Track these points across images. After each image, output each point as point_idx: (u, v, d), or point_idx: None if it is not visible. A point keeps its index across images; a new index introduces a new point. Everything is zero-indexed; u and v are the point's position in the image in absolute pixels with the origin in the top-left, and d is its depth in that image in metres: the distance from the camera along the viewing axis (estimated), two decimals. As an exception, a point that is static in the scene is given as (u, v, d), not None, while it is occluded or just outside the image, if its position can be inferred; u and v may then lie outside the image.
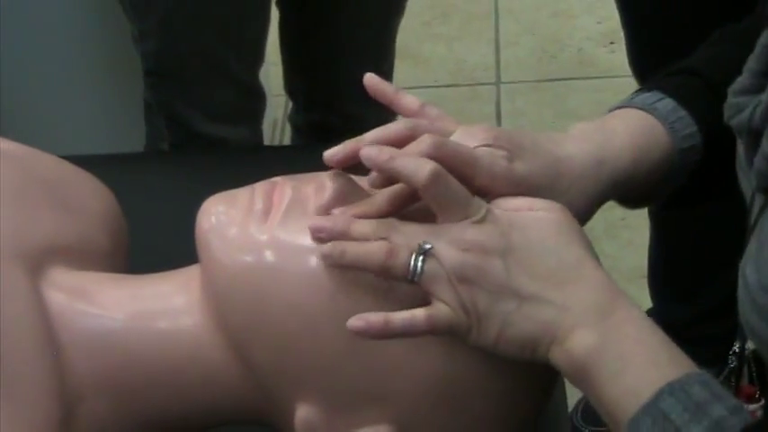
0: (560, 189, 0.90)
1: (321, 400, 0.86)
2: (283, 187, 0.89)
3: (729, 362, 0.98)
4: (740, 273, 0.83)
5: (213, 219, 0.89)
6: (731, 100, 0.87)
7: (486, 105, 2.70)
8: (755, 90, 0.85)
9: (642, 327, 0.83)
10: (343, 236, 0.85)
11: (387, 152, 0.83)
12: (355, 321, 0.82)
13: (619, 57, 1.88)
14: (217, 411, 0.91)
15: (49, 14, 1.91)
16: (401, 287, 0.84)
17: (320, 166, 0.92)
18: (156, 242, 1.14)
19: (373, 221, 0.85)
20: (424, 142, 0.84)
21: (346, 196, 0.87)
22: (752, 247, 0.82)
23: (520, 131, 0.92)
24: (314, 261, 0.85)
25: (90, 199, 1.02)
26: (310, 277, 0.85)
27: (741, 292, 0.82)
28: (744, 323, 0.84)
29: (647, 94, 0.98)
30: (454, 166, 0.84)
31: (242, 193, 0.90)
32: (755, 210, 0.85)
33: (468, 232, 0.83)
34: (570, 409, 1.89)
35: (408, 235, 0.83)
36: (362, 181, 0.90)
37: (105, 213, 1.02)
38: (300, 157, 0.94)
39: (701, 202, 1.03)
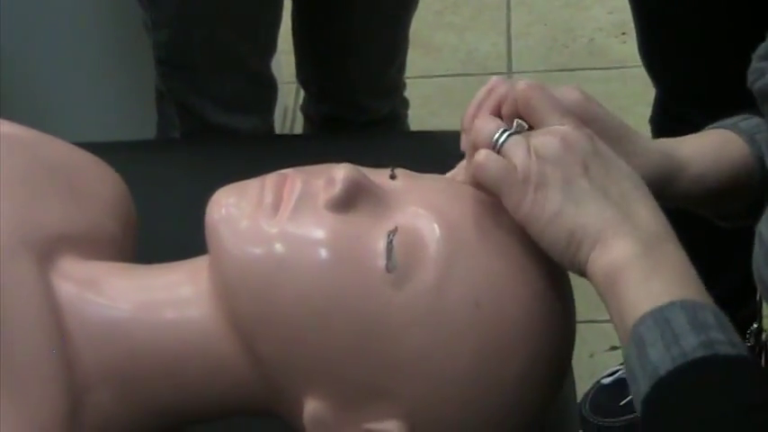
0: (625, 151, 0.91)
1: (330, 394, 0.86)
2: (294, 180, 0.89)
3: (746, 340, 0.97)
4: (756, 235, 0.83)
5: (223, 210, 0.89)
6: (755, 65, 0.87)
7: (498, 95, 2.69)
8: None
9: (684, 261, 0.83)
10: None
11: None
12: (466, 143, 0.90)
13: (630, 47, 1.87)
14: (224, 403, 0.91)
15: (62, 3, 1.92)
16: (413, 282, 0.84)
17: (332, 157, 0.92)
18: (165, 230, 1.14)
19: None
20: (495, 81, 0.93)
21: (356, 190, 0.87)
22: None
23: None
24: (323, 254, 0.86)
25: (99, 184, 1.01)
26: (320, 271, 0.85)
27: (756, 251, 0.83)
28: (759, 283, 0.84)
29: (735, 117, 0.98)
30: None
31: (252, 186, 0.90)
32: None
33: (562, 128, 0.86)
34: (578, 401, 1.89)
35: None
36: (373, 173, 0.90)
37: (114, 199, 1.02)
38: (312, 146, 0.95)
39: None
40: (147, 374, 0.90)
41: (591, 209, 0.83)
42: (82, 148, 1.04)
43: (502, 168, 0.84)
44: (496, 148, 0.86)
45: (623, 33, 2.76)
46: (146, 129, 1.77)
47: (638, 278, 0.81)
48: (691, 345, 0.77)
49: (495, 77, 0.93)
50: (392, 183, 0.90)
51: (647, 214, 0.84)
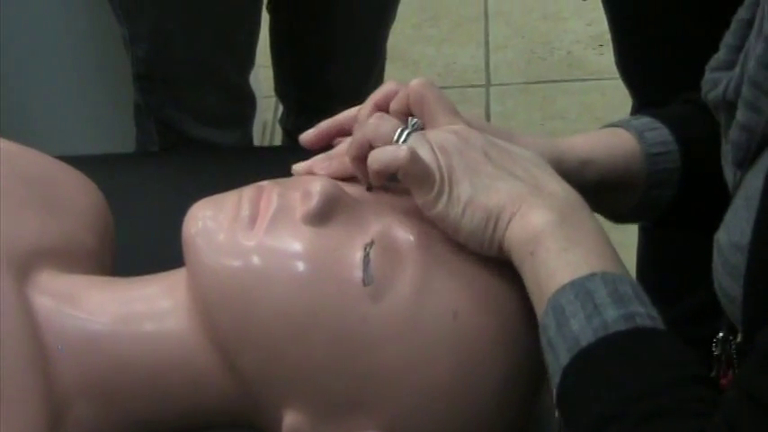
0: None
1: (308, 406, 0.86)
2: (270, 193, 0.89)
3: (713, 350, 0.98)
4: (714, 242, 0.84)
5: (200, 223, 0.88)
6: (708, 76, 0.88)
7: (476, 107, 2.70)
8: (731, 65, 0.86)
9: (598, 228, 0.85)
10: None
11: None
12: (353, 142, 0.89)
13: (608, 59, 1.88)
14: (204, 415, 0.91)
15: (40, 17, 1.92)
16: (390, 294, 0.85)
17: (309, 169, 0.92)
18: (143, 243, 1.14)
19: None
20: (388, 83, 0.94)
21: (333, 203, 0.87)
22: (727, 216, 0.83)
23: None
24: (300, 267, 0.86)
25: (76, 196, 1.01)
26: (297, 284, 0.85)
27: (715, 260, 0.84)
28: (717, 289, 0.84)
29: (629, 117, 0.99)
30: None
31: (229, 199, 0.90)
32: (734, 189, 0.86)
33: (456, 126, 0.89)
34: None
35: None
36: (349, 185, 0.90)
37: (92, 211, 1.02)
38: (290, 158, 0.94)
39: (700, 217, 1.04)
40: (126, 387, 0.90)
41: (501, 187, 0.85)
42: (61, 160, 1.04)
43: (426, 166, 0.85)
44: (399, 141, 0.87)
45: (601, 45, 2.77)
46: (125, 142, 1.77)
47: (556, 247, 0.82)
48: (612, 317, 0.78)
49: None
50: (369, 194, 0.90)
51: (558, 186, 0.86)
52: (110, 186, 1.07)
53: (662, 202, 0.99)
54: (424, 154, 0.85)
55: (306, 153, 0.90)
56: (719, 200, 0.93)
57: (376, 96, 0.94)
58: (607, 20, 1.65)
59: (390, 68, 1.89)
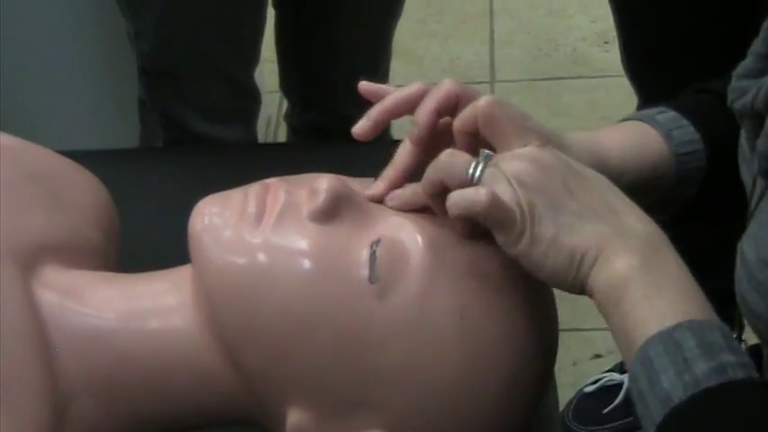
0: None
1: (312, 404, 0.86)
2: (277, 191, 0.89)
3: None
4: (738, 253, 0.83)
5: (206, 220, 0.88)
6: (735, 84, 0.87)
7: (481, 104, 2.69)
8: (759, 73, 0.86)
9: (682, 268, 0.83)
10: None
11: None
12: (426, 181, 0.86)
13: (613, 56, 1.87)
14: (208, 412, 0.91)
15: (45, 12, 1.91)
16: (396, 292, 0.84)
17: (315, 166, 0.92)
18: (149, 239, 1.14)
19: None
20: (444, 83, 0.90)
21: (339, 200, 0.87)
22: (751, 229, 0.82)
23: None
24: (306, 265, 0.86)
25: (82, 192, 1.01)
26: (302, 281, 0.85)
27: (739, 271, 0.83)
28: (740, 302, 0.84)
29: (654, 109, 0.98)
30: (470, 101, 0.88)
31: (235, 195, 0.90)
32: (756, 196, 0.86)
33: (532, 151, 0.85)
34: (561, 409, 1.89)
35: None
36: (355, 183, 0.90)
37: (97, 207, 1.02)
38: (296, 155, 0.94)
39: (715, 218, 1.04)
40: (130, 384, 0.90)
41: (585, 228, 0.82)
42: (65, 156, 1.04)
43: (507, 208, 0.82)
44: (473, 184, 0.84)
45: (606, 42, 2.77)
46: (129, 138, 1.77)
47: (641, 294, 0.80)
48: (702, 371, 0.76)
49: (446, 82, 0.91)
50: (375, 192, 0.90)
51: (638, 223, 0.84)
52: (114, 182, 1.07)
53: (684, 199, 0.99)
54: (503, 191, 0.82)
55: (309, 150, 0.90)
56: (739, 196, 0.93)
57: (436, 100, 0.90)
58: (613, 17, 1.64)
59: (395, 64, 1.88)
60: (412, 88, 0.91)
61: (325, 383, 0.86)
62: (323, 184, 0.87)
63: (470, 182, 0.83)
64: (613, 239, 0.82)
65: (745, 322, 0.88)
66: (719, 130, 0.96)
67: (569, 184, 0.84)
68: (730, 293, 0.88)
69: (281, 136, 2.30)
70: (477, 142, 0.88)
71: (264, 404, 0.88)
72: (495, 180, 0.83)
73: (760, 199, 0.84)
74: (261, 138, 2.12)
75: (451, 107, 0.89)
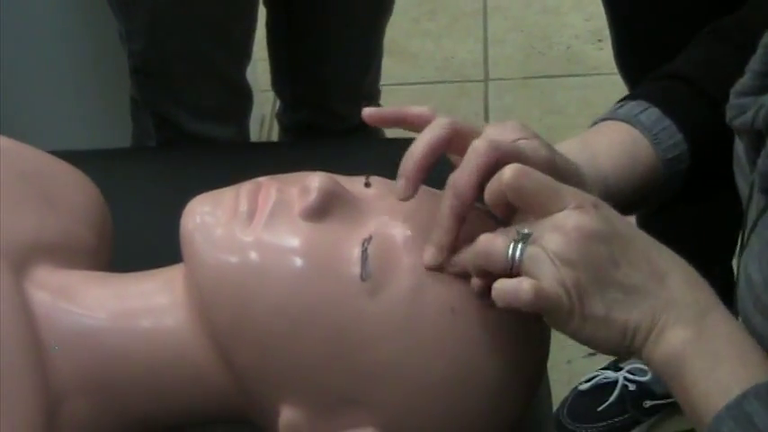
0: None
1: (305, 402, 0.86)
2: (268, 189, 0.89)
3: None
4: (741, 271, 0.83)
5: (198, 219, 0.88)
6: (733, 101, 0.87)
7: (474, 102, 2.70)
8: (758, 91, 0.85)
9: (734, 328, 0.83)
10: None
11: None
12: (473, 282, 0.83)
13: (607, 54, 1.87)
14: (200, 410, 0.91)
15: (36, 12, 1.91)
16: (388, 290, 0.84)
17: (308, 165, 0.91)
18: (141, 239, 1.14)
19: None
20: (479, 149, 0.84)
21: (331, 198, 0.87)
22: (754, 247, 0.82)
23: None
24: (298, 263, 0.86)
25: (74, 192, 1.01)
26: (295, 279, 0.85)
27: (743, 291, 0.82)
28: (744, 322, 0.84)
29: (632, 104, 0.98)
30: (506, 163, 0.83)
31: (227, 194, 0.90)
32: (753, 209, 0.85)
33: (571, 217, 0.81)
34: (556, 407, 1.89)
35: (508, 230, 0.83)
36: (347, 181, 0.90)
37: (89, 207, 1.02)
38: (288, 154, 0.94)
39: (699, 200, 1.04)
40: (122, 383, 0.90)
41: (635, 302, 0.81)
42: (56, 156, 1.04)
43: (553, 297, 0.80)
44: (514, 267, 0.81)
45: (600, 40, 2.77)
46: (121, 138, 1.77)
47: (700, 368, 0.80)
48: None
49: (476, 142, 0.85)
50: (367, 190, 0.90)
51: (684, 284, 0.83)
52: (106, 181, 1.07)
53: (668, 196, 0.99)
54: (547, 273, 0.80)
55: (302, 148, 0.90)
56: (720, 179, 0.94)
57: (477, 173, 0.84)
58: (606, 15, 1.64)
59: (389, 62, 1.88)
60: (440, 132, 0.87)
61: (317, 381, 0.86)
62: (314, 182, 0.87)
63: (512, 266, 0.81)
64: (664, 312, 0.81)
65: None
66: (698, 125, 0.97)
67: (614, 251, 0.81)
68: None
69: (274, 135, 2.29)
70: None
71: (257, 402, 0.88)
72: (537, 262, 0.80)
73: (761, 214, 0.83)
74: (254, 137, 2.12)
75: (488, 174, 0.85)
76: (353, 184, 0.90)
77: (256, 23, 1.65)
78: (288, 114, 1.87)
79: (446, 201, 0.84)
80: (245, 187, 0.89)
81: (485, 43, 2.87)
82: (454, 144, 0.87)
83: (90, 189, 1.04)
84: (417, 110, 0.92)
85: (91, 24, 1.93)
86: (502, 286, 0.80)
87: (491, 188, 0.83)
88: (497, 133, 0.89)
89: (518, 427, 0.93)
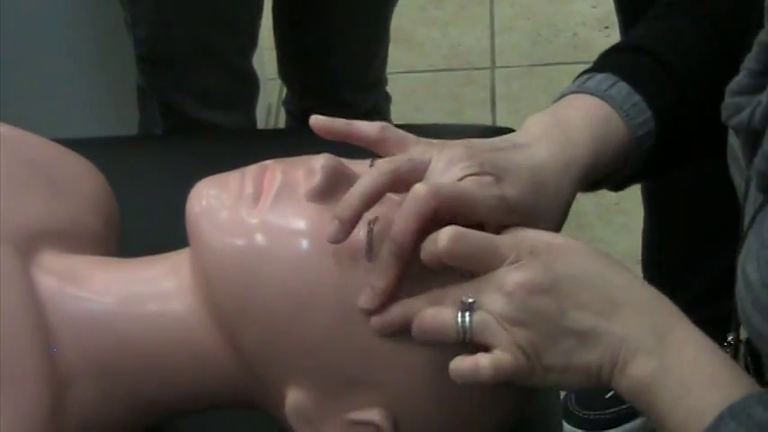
0: (545, 204, 0.89)
1: (311, 384, 0.86)
2: (274, 171, 0.89)
3: (724, 351, 0.97)
4: (739, 270, 0.83)
5: (204, 202, 0.89)
6: (729, 100, 0.86)
7: (481, 90, 2.70)
8: (754, 90, 0.85)
9: (699, 346, 0.82)
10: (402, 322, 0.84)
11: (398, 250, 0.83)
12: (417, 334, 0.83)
13: (613, 41, 1.87)
14: (207, 396, 0.91)
15: (42, 1, 1.91)
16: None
17: (313, 151, 0.91)
18: (147, 225, 1.14)
19: (420, 298, 0.84)
20: (419, 195, 0.83)
21: (336, 179, 0.87)
22: (752, 246, 0.82)
23: (493, 147, 0.90)
24: (304, 244, 0.86)
25: (80, 180, 1.01)
26: (300, 261, 0.85)
27: (741, 290, 0.82)
28: (743, 321, 0.83)
29: (600, 77, 0.97)
30: (452, 207, 0.84)
31: (232, 177, 0.90)
32: (750, 205, 0.85)
33: (509, 275, 0.82)
34: (564, 394, 1.89)
35: (450, 295, 0.83)
36: (352, 164, 0.90)
37: (96, 195, 1.02)
38: (294, 140, 0.94)
39: (657, 177, 1.04)
40: (129, 367, 0.90)
41: (589, 345, 0.82)
42: (63, 144, 1.04)
43: (511, 366, 0.81)
44: (466, 338, 0.81)
45: (606, 27, 2.76)
46: (128, 125, 1.77)
47: (672, 397, 0.80)
48: None
49: (417, 188, 0.83)
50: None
51: (637, 312, 0.83)
52: (113, 169, 1.07)
53: (632, 173, 0.98)
54: (501, 339, 0.81)
55: (308, 135, 0.90)
56: (682, 158, 0.95)
57: (415, 219, 0.83)
58: (614, 2, 1.64)
59: (395, 51, 1.88)
60: (378, 180, 0.85)
61: (323, 362, 0.86)
62: (319, 163, 0.87)
63: (464, 337, 0.81)
64: (623, 346, 0.81)
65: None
66: (665, 103, 0.96)
67: (559, 299, 0.82)
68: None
69: (281, 123, 2.29)
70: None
71: (264, 385, 0.88)
72: (488, 330, 0.81)
73: (757, 212, 0.83)
74: (261, 125, 2.12)
75: (429, 220, 0.84)
76: (359, 167, 0.90)
77: (262, 9, 1.65)
78: (295, 102, 1.87)
79: (386, 246, 0.84)
80: (251, 170, 0.90)
81: (491, 31, 2.86)
82: (399, 184, 0.86)
83: (96, 177, 1.04)
84: (365, 130, 0.91)
85: (97, 12, 1.93)
86: (458, 367, 0.81)
87: (427, 250, 0.82)
88: (443, 169, 0.88)
89: (526, 414, 0.93)
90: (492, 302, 0.82)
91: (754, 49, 0.86)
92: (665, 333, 0.82)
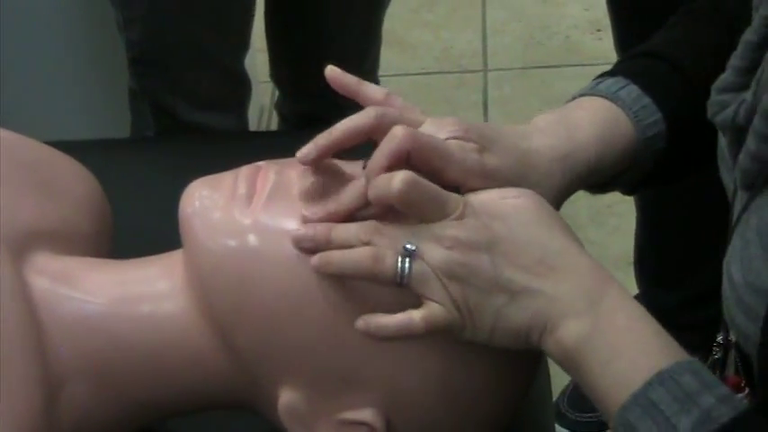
0: (529, 183, 0.89)
1: (305, 384, 0.87)
2: (267, 172, 0.89)
3: (713, 353, 0.98)
4: (725, 270, 0.83)
5: (197, 203, 0.89)
6: (715, 97, 0.87)
7: (473, 92, 2.70)
8: (739, 87, 0.85)
9: (632, 314, 0.83)
10: (325, 244, 0.84)
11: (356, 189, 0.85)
12: (357, 322, 0.83)
13: (605, 44, 1.88)
14: (200, 397, 0.92)
15: (34, 2, 1.91)
16: None
17: (305, 153, 0.91)
18: (140, 227, 1.14)
19: (354, 225, 0.85)
20: (396, 135, 0.84)
21: (329, 180, 0.87)
22: (736, 245, 0.82)
23: (487, 124, 0.92)
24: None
25: (73, 183, 1.01)
26: (293, 261, 0.85)
27: (726, 290, 0.82)
28: (728, 320, 0.84)
29: (611, 81, 0.98)
30: (426, 158, 0.84)
31: (226, 178, 0.90)
32: (738, 205, 0.85)
33: (451, 229, 0.83)
34: (556, 396, 1.89)
35: (391, 237, 0.83)
36: (345, 165, 0.90)
37: (88, 197, 1.02)
38: (286, 143, 0.94)
39: (672, 181, 1.04)
40: (123, 368, 0.90)
41: (521, 305, 0.82)
42: (55, 147, 1.04)
43: (446, 321, 0.82)
44: (403, 281, 0.82)
45: (598, 30, 2.76)
46: (120, 127, 1.77)
47: (600, 361, 0.81)
48: (686, 427, 0.77)
49: (396, 128, 0.85)
50: (365, 172, 0.90)
51: (573, 275, 0.83)
52: (105, 171, 1.07)
53: (640, 176, 0.99)
54: (435, 292, 0.82)
55: (300, 138, 0.90)
56: (694, 164, 0.96)
57: (387, 156, 0.84)
58: (607, 5, 1.64)
59: (388, 53, 1.88)
60: (364, 120, 0.87)
61: (316, 361, 0.86)
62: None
63: (400, 282, 0.82)
64: (553, 308, 0.82)
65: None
66: (677, 105, 0.96)
67: (495, 257, 0.82)
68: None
69: (274, 126, 2.30)
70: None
71: (257, 386, 0.89)
72: (426, 281, 0.82)
73: (742, 211, 0.83)
74: (254, 127, 2.12)
75: (402, 162, 0.85)
76: (352, 167, 0.90)
77: (254, 11, 1.65)
78: (287, 104, 1.87)
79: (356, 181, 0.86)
80: (244, 170, 0.90)
81: (483, 33, 2.86)
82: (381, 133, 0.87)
83: (89, 179, 1.04)
84: (371, 92, 0.92)
85: (89, 14, 1.92)
86: (390, 322, 0.82)
87: (378, 187, 0.83)
88: (432, 128, 0.89)
89: (518, 416, 0.93)
90: (430, 253, 0.82)
91: (740, 47, 0.86)
92: (597, 299, 0.83)
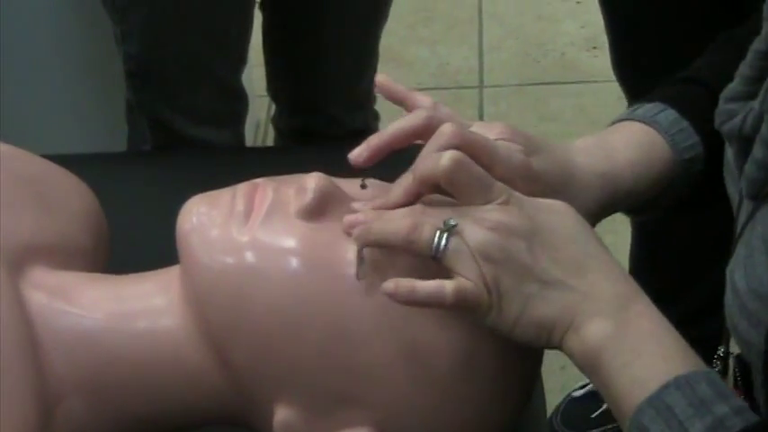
0: (569, 194, 0.90)
1: (300, 402, 0.86)
2: (265, 189, 0.89)
3: (714, 365, 0.98)
4: (728, 278, 0.83)
5: (194, 219, 0.89)
6: (722, 106, 0.87)
7: (469, 109, 2.70)
8: (747, 96, 0.86)
9: (656, 321, 0.83)
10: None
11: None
12: (386, 284, 0.82)
13: (601, 61, 1.88)
14: (196, 412, 0.91)
15: (32, 15, 1.91)
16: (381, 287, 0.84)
17: (302, 168, 0.92)
18: (137, 242, 1.14)
19: (401, 209, 0.85)
20: (444, 132, 0.85)
21: (327, 198, 0.87)
22: (740, 253, 0.82)
23: (532, 133, 0.93)
24: (294, 263, 0.86)
25: (70, 197, 1.01)
26: (291, 279, 0.85)
27: (729, 298, 0.83)
28: (731, 328, 0.84)
29: (649, 106, 0.99)
30: (473, 155, 0.85)
31: (223, 195, 0.90)
32: (743, 215, 0.86)
33: (494, 213, 0.83)
34: (550, 414, 1.89)
35: (433, 215, 0.83)
36: (343, 182, 0.90)
37: (85, 212, 1.02)
38: (283, 158, 0.94)
39: (709, 206, 1.04)
40: (118, 384, 0.90)
41: (552, 297, 0.82)
42: (52, 160, 1.04)
43: (475, 299, 0.82)
44: (437, 257, 0.82)
45: (594, 47, 2.77)
46: (116, 142, 1.77)
47: (620, 363, 0.81)
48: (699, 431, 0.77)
49: (446, 125, 0.86)
50: (363, 192, 0.90)
51: (605, 278, 0.84)
52: (102, 185, 1.07)
53: (678, 199, 0.99)
54: (468, 269, 0.82)
55: (297, 153, 0.90)
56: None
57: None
58: (604, 21, 1.64)
59: (384, 69, 1.88)
60: (415, 121, 0.89)
61: (312, 380, 0.86)
62: (311, 182, 0.87)
63: (435, 255, 0.82)
64: (582, 306, 0.82)
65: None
66: (715, 130, 0.96)
67: (534, 247, 0.83)
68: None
69: (270, 140, 2.30)
70: None
71: (252, 403, 0.88)
72: (460, 257, 0.82)
73: (747, 220, 0.84)
74: (250, 142, 2.12)
75: None
76: (350, 185, 0.90)
77: (252, 26, 1.65)
78: (283, 119, 1.87)
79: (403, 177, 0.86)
80: (242, 188, 0.90)
81: (480, 50, 2.87)
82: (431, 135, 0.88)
83: (86, 193, 1.04)
84: (419, 101, 0.93)
85: (86, 28, 1.92)
86: (421, 287, 0.82)
87: (426, 167, 0.84)
88: (480, 130, 0.90)
89: (514, 425, 0.93)
90: (470, 233, 0.82)
91: (749, 56, 0.87)
92: (626, 304, 0.83)
